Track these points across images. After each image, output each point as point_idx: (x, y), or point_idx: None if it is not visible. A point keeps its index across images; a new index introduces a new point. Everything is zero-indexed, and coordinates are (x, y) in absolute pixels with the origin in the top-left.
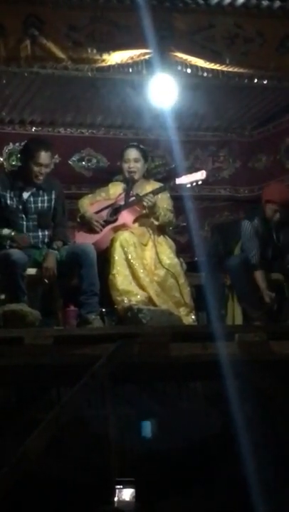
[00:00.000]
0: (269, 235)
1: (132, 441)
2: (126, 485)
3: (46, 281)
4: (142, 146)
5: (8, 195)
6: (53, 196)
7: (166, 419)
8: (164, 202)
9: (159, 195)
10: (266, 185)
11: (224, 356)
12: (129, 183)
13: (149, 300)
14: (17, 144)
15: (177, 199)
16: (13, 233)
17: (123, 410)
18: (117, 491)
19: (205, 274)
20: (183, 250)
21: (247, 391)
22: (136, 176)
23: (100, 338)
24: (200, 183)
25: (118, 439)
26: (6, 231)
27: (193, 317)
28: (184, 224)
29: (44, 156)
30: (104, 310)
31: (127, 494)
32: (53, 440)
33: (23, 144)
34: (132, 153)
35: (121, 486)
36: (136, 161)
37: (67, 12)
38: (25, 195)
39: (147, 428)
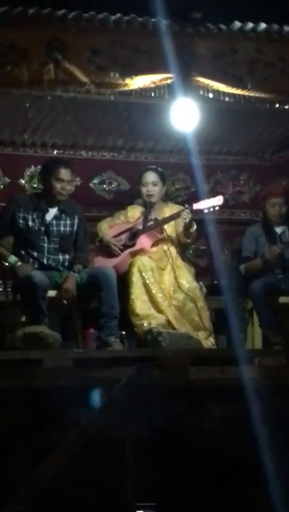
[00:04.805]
0: (272, 236)
1: (150, 464)
2: (146, 510)
3: (65, 302)
4: (159, 169)
5: (30, 216)
6: (76, 221)
7: (185, 442)
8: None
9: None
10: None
11: (244, 380)
12: (148, 206)
13: (168, 323)
14: (39, 167)
15: (197, 222)
16: (18, 263)
17: (142, 433)
18: None
19: (225, 298)
20: (203, 273)
21: (266, 415)
22: (154, 199)
23: (119, 361)
24: (217, 208)
25: (136, 462)
26: (13, 259)
27: (212, 341)
28: (204, 247)
29: (64, 172)
30: (123, 333)
31: None
32: (71, 462)
33: (40, 166)
34: (150, 177)
35: (142, 511)
36: (154, 184)
37: (90, 36)
38: (48, 217)
39: (96, 397)
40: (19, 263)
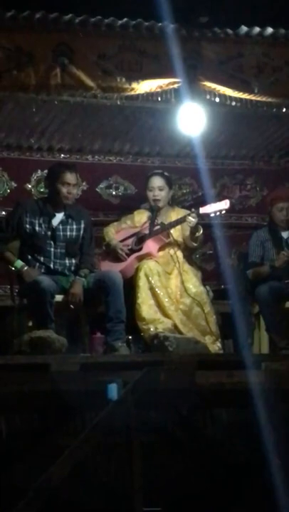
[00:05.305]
0: (278, 240)
1: (156, 468)
2: None
3: (72, 306)
4: (166, 174)
5: (37, 221)
6: (82, 225)
7: (191, 446)
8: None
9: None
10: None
11: (250, 385)
12: (154, 211)
13: (175, 328)
14: (45, 171)
15: (204, 227)
16: (25, 268)
17: (148, 437)
18: None
19: (232, 302)
20: (209, 278)
21: (273, 420)
22: (160, 204)
23: (126, 366)
24: (223, 212)
25: (142, 466)
26: (19, 263)
27: (219, 345)
28: (211, 252)
29: (70, 176)
30: (130, 337)
31: None
32: (78, 466)
33: (46, 170)
34: (157, 181)
35: None
36: (160, 189)
37: (97, 41)
38: (55, 222)
39: (113, 391)
40: (26, 268)
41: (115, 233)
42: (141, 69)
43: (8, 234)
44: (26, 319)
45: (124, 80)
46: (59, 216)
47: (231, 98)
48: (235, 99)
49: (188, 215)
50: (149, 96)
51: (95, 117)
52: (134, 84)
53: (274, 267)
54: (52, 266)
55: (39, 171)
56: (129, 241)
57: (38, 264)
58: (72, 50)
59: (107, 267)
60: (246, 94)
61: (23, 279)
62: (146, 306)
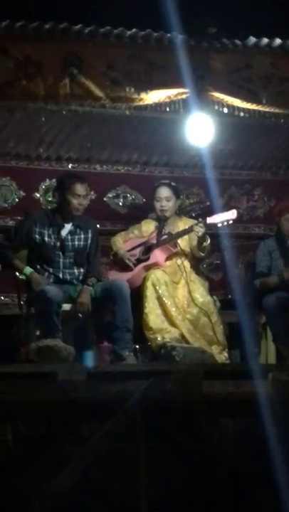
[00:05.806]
0: (286, 251)
1: (162, 477)
2: None
3: (80, 315)
4: (173, 184)
5: (46, 232)
6: (90, 235)
7: (198, 456)
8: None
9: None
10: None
11: (257, 395)
12: (161, 221)
13: (182, 337)
14: (53, 180)
15: (211, 237)
16: (34, 274)
17: (155, 446)
18: None
19: (239, 312)
20: (217, 288)
21: (280, 430)
22: (167, 214)
23: (133, 375)
24: (231, 222)
25: (149, 475)
26: (28, 270)
27: (226, 355)
28: (218, 261)
29: (80, 187)
30: (137, 346)
31: None
32: (84, 475)
33: (55, 181)
34: (164, 192)
35: None
36: (167, 199)
37: (106, 51)
38: (64, 232)
39: (89, 358)
40: (35, 274)
41: (123, 243)
42: (150, 79)
43: (17, 243)
44: (34, 328)
45: (132, 90)
46: (68, 226)
47: (239, 109)
48: (244, 109)
49: (196, 224)
50: (158, 106)
51: (103, 127)
52: (143, 95)
53: (283, 279)
54: (61, 276)
55: (47, 180)
56: (137, 251)
57: (46, 274)
58: (81, 60)
59: (115, 276)
60: (254, 105)
61: (32, 285)
62: (153, 316)
